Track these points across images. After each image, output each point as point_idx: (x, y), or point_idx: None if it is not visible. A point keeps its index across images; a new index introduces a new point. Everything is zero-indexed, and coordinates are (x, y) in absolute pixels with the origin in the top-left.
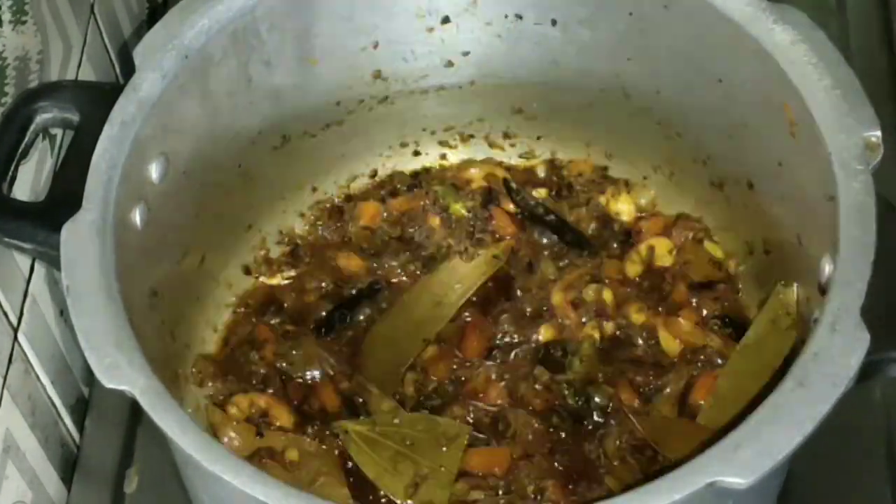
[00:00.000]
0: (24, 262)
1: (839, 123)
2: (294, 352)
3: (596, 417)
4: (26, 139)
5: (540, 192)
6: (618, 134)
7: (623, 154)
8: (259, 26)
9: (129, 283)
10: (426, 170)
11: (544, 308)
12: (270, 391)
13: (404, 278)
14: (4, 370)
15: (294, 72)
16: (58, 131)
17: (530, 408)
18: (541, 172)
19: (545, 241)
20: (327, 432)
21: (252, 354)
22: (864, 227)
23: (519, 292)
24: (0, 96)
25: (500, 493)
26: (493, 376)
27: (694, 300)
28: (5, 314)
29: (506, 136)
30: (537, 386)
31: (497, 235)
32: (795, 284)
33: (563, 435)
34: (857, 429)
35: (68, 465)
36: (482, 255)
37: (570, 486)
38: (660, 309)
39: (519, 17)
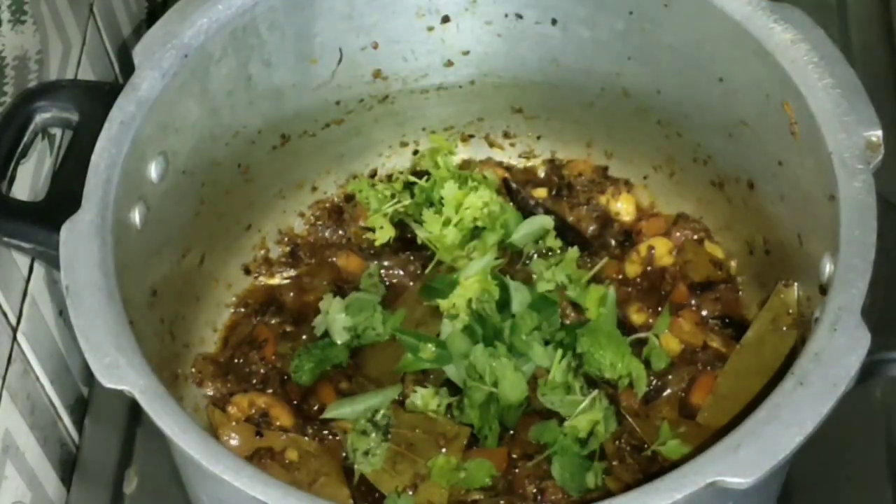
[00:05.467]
0: (23, 261)
1: (840, 123)
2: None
3: None
4: (25, 139)
5: (540, 192)
6: (618, 133)
7: (623, 154)
8: (259, 25)
9: (129, 283)
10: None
11: None
12: (270, 391)
13: (404, 278)
14: (3, 370)
15: (294, 71)
16: (57, 131)
17: (530, 408)
18: (541, 172)
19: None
20: (327, 432)
21: (252, 354)
22: (864, 227)
23: None
24: None
25: (500, 492)
26: None
27: (694, 300)
28: (4, 314)
29: (506, 135)
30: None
31: None
32: (796, 284)
33: None
34: (857, 429)
35: (67, 466)
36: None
37: None
38: (660, 309)
39: (519, 16)
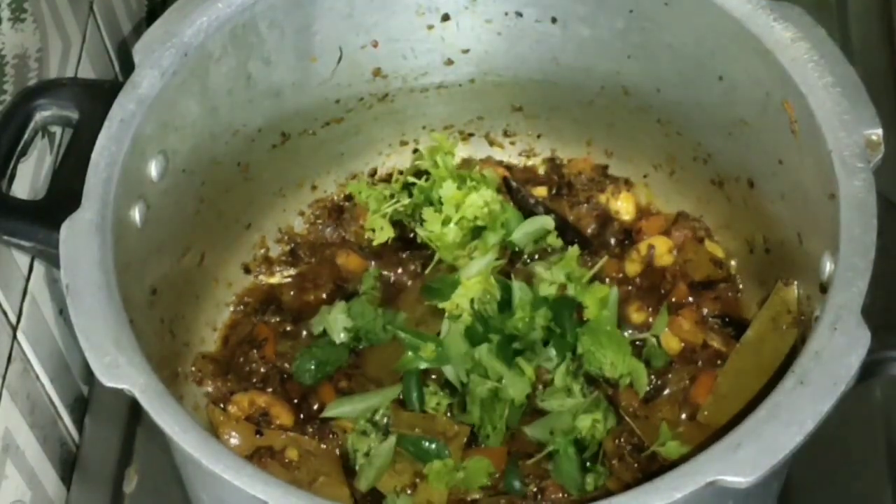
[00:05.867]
0: (23, 260)
1: (840, 121)
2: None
3: None
4: (25, 137)
5: (540, 191)
6: (618, 132)
7: (623, 152)
8: (258, 24)
9: (129, 282)
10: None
11: None
12: (270, 390)
13: (404, 278)
14: (3, 369)
15: (293, 69)
16: (57, 129)
17: (531, 407)
18: (541, 171)
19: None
20: (327, 431)
21: (252, 353)
22: (864, 226)
23: None
24: None
25: (500, 492)
26: None
27: (694, 299)
28: (4, 313)
29: (506, 134)
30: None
31: None
32: (796, 283)
33: None
34: (857, 429)
35: (67, 465)
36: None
37: None
38: (660, 308)
39: (519, 14)
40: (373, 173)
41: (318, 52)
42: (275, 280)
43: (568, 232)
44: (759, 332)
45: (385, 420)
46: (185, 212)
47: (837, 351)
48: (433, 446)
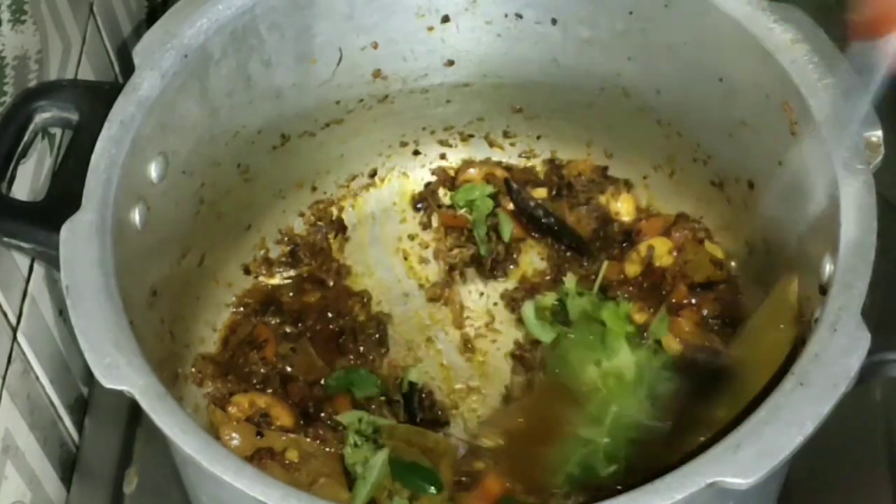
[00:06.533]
0: (23, 261)
1: (840, 123)
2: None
3: None
4: (25, 138)
5: (539, 192)
6: (618, 133)
7: (623, 153)
8: (259, 25)
9: (129, 283)
10: (428, 184)
11: None
12: (270, 391)
13: None
14: (3, 370)
15: (294, 71)
16: (57, 131)
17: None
18: (541, 172)
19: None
20: (324, 432)
21: (252, 354)
22: (864, 227)
23: None
24: None
25: None
26: None
27: (694, 300)
28: (4, 314)
29: (506, 135)
30: None
31: None
32: (795, 283)
33: None
34: (857, 429)
35: (67, 465)
36: None
37: None
38: (660, 309)
39: (519, 16)
40: (373, 174)
41: (318, 54)
42: (275, 281)
43: (565, 237)
44: (759, 332)
45: (370, 428)
46: (185, 213)
47: (837, 352)
48: (424, 481)
